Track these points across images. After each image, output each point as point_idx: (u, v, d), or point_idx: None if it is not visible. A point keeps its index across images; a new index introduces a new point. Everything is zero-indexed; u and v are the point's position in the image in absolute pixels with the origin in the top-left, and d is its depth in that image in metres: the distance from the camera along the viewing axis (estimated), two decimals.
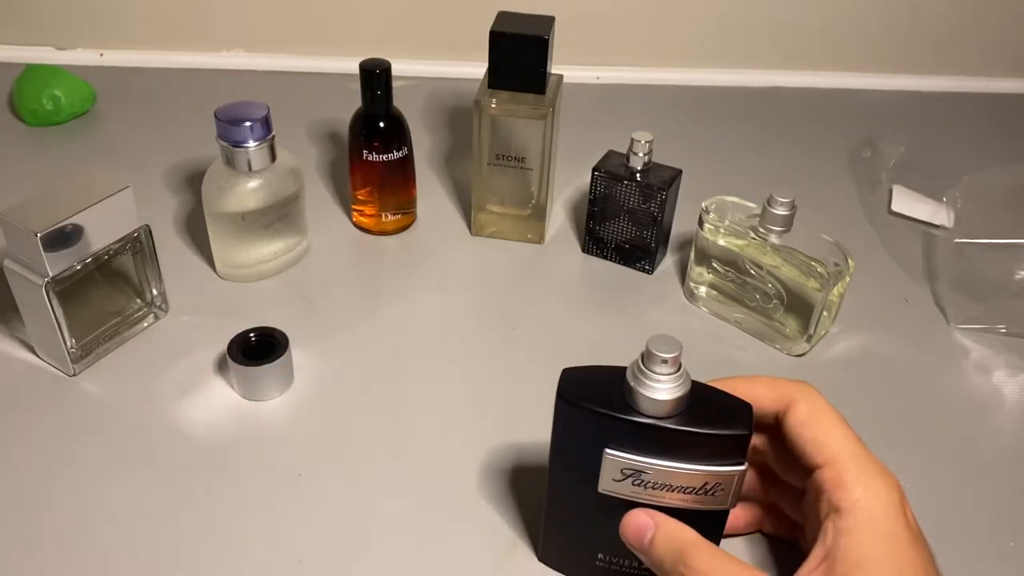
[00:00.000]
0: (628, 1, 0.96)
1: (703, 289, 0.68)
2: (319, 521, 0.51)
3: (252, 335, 0.58)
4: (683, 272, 0.70)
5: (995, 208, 0.70)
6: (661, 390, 0.40)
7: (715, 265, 0.66)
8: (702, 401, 0.41)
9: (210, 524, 0.51)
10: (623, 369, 0.42)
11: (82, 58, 0.96)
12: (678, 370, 0.41)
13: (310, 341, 0.62)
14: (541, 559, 0.50)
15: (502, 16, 0.66)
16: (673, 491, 0.42)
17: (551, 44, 0.65)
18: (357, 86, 0.67)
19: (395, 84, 0.68)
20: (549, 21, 0.66)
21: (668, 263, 0.72)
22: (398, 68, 0.68)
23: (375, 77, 0.66)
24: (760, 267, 0.63)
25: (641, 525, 0.43)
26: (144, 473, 0.53)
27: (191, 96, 0.92)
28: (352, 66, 0.68)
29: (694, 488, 0.42)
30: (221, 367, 0.60)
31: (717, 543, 0.45)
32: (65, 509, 0.51)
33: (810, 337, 0.63)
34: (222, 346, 0.58)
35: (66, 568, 0.48)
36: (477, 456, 0.55)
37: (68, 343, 0.57)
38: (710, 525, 0.44)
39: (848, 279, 0.61)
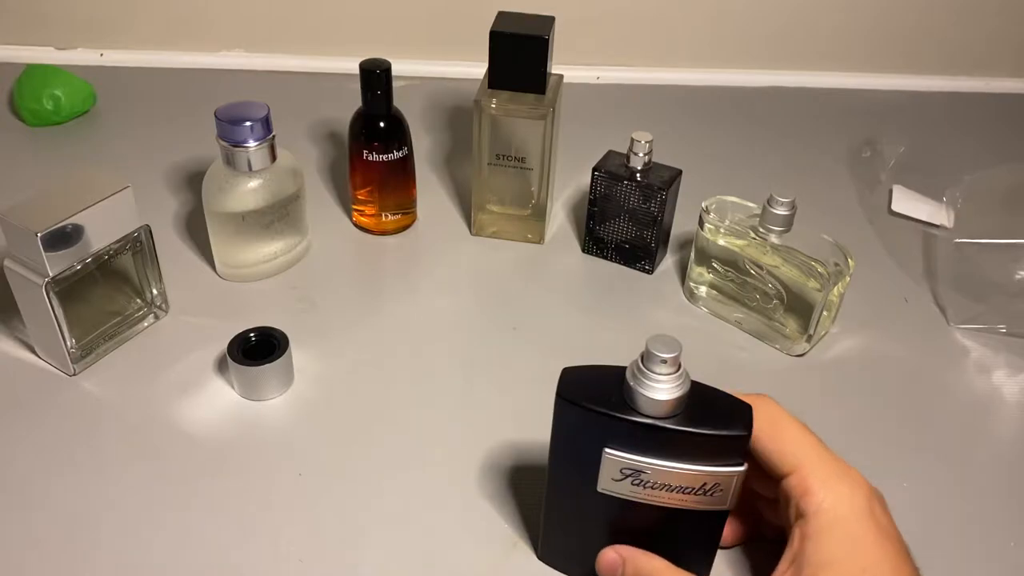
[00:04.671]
0: (628, 1, 0.96)
1: (703, 289, 0.68)
2: (319, 521, 0.51)
3: (252, 335, 0.58)
4: (683, 272, 0.70)
5: (995, 208, 0.70)
6: (660, 390, 0.40)
7: (715, 265, 0.66)
8: (702, 401, 0.41)
9: (210, 523, 0.51)
10: (623, 369, 0.42)
11: (82, 58, 0.96)
12: (677, 370, 0.40)
13: (310, 341, 0.62)
14: (541, 558, 0.50)
15: (502, 16, 0.66)
16: (672, 491, 0.42)
17: (551, 44, 0.65)
18: (357, 86, 0.67)
19: (395, 84, 0.68)
20: (549, 21, 0.66)
21: (668, 263, 0.72)
22: (398, 68, 0.68)
23: (375, 77, 0.66)
24: (760, 267, 0.63)
25: (611, 561, 0.46)
26: (144, 473, 0.53)
27: (191, 96, 0.92)
28: (352, 66, 0.68)
29: (693, 488, 0.42)
30: (221, 367, 0.60)
31: (716, 543, 0.46)
32: (65, 508, 0.51)
33: (810, 337, 0.63)
34: (222, 346, 0.58)
35: (66, 567, 0.48)
36: (477, 455, 0.55)
37: (68, 343, 0.57)
38: (709, 526, 0.44)
39: (848, 279, 0.61)
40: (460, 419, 0.58)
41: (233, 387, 0.59)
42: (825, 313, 0.62)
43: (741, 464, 0.42)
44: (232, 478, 0.53)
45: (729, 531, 0.49)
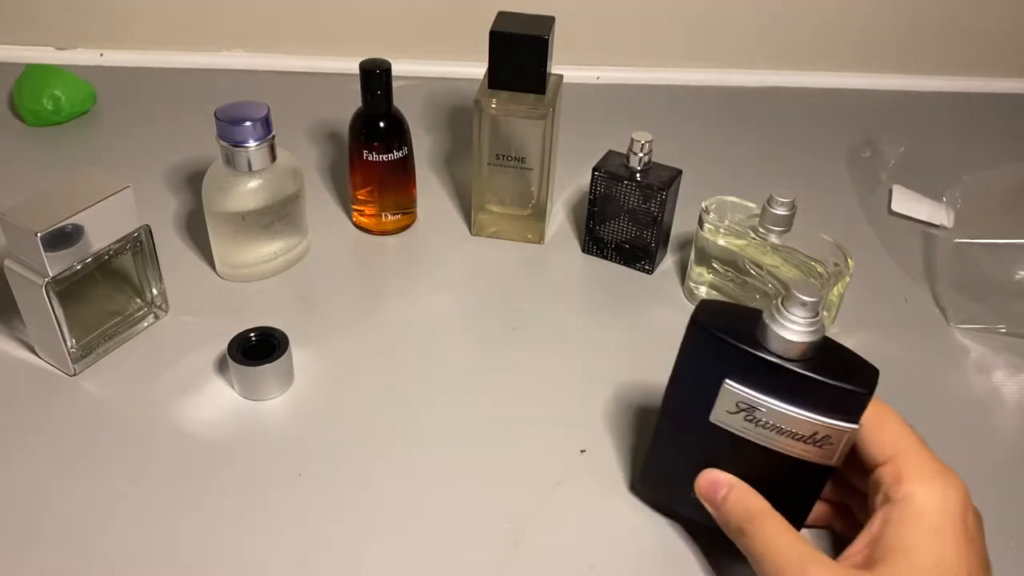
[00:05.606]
0: (628, 1, 0.96)
1: (703, 289, 0.68)
2: (319, 521, 0.51)
3: (252, 335, 0.58)
4: (683, 272, 0.70)
5: (995, 208, 0.70)
6: (794, 331, 0.41)
7: (715, 265, 0.66)
8: (831, 353, 0.42)
9: (210, 523, 0.51)
10: (760, 311, 0.43)
11: (82, 58, 0.96)
12: (815, 316, 0.41)
13: (310, 341, 0.62)
14: (632, 488, 0.51)
15: (502, 16, 0.66)
16: (782, 434, 0.43)
17: (551, 44, 0.65)
18: (357, 86, 0.67)
19: (395, 84, 0.68)
20: (549, 21, 0.66)
21: (668, 263, 0.72)
22: (398, 68, 0.68)
23: (375, 77, 0.66)
24: (760, 267, 0.63)
25: (716, 481, 0.46)
26: (144, 473, 0.53)
27: (191, 96, 0.92)
28: (352, 66, 0.68)
29: (804, 436, 0.42)
30: (221, 367, 0.60)
31: (814, 500, 0.46)
32: (65, 509, 0.51)
33: None
34: (222, 346, 0.58)
35: (66, 568, 0.48)
36: (476, 455, 0.55)
37: (68, 343, 0.57)
38: (811, 480, 0.45)
39: (848, 279, 0.61)
40: (459, 419, 0.58)
41: (233, 387, 0.59)
42: (825, 313, 0.62)
43: (855, 422, 0.42)
44: (232, 478, 0.53)
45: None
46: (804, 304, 0.41)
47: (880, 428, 0.43)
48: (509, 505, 0.52)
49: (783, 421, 0.42)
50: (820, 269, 0.60)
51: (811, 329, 0.41)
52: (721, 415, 0.44)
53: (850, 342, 0.64)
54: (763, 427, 0.43)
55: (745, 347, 0.42)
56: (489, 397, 0.60)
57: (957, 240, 0.67)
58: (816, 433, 0.42)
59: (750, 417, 0.43)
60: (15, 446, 0.54)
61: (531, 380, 0.61)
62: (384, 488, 0.53)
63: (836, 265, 0.60)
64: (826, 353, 0.42)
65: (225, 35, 0.97)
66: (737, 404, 0.43)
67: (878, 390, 0.62)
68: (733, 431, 0.44)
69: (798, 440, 0.43)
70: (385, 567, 0.49)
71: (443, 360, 0.63)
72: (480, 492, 0.53)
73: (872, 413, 0.43)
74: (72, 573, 0.48)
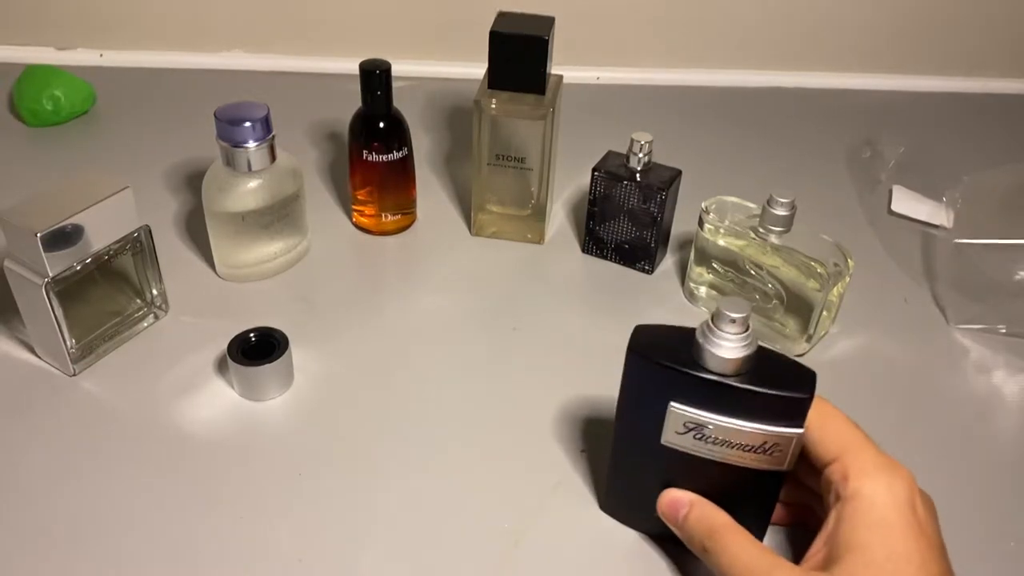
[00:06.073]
0: (628, 1, 0.96)
1: (703, 289, 0.68)
2: (319, 521, 0.51)
3: (252, 335, 0.58)
4: (683, 272, 0.70)
5: (995, 208, 0.70)
6: (728, 348, 0.41)
7: (715, 265, 0.66)
8: (768, 363, 0.43)
9: (210, 523, 0.51)
10: (693, 329, 0.43)
11: (82, 58, 0.96)
12: (746, 331, 0.42)
13: (310, 341, 0.62)
14: (602, 507, 0.52)
15: (502, 16, 0.66)
16: (733, 448, 0.44)
17: (551, 44, 0.65)
18: (357, 86, 0.67)
19: (395, 84, 0.68)
20: (549, 21, 0.66)
21: (668, 263, 0.73)
22: (398, 68, 0.68)
23: (375, 77, 0.66)
24: (760, 267, 0.63)
25: (677, 500, 0.47)
26: (144, 473, 0.53)
27: (191, 96, 0.92)
28: (352, 66, 0.68)
29: (753, 447, 0.43)
30: (221, 367, 0.60)
31: (772, 505, 0.47)
32: (65, 509, 0.51)
33: (810, 337, 0.63)
34: (222, 346, 0.58)
35: (66, 568, 0.48)
36: (476, 456, 0.55)
37: (68, 343, 0.57)
38: (767, 486, 0.45)
39: (848, 279, 0.61)
40: (458, 420, 0.58)
41: (233, 387, 0.59)
42: (825, 313, 0.62)
43: (800, 427, 0.42)
44: (232, 478, 0.53)
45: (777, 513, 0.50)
46: (733, 321, 0.41)
47: (824, 428, 0.44)
48: (509, 505, 0.52)
49: (731, 435, 0.43)
50: (820, 269, 0.60)
51: (744, 344, 0.42)
52: (671, 436, 0.45)
53: (850, 342, 0.65)
54: (713, 443, 0.44)
55: (683, 369, 0.42)
56: (489, 397, 0.60)
57: (957, 240, 0.67)
58: (765, 443, 0.43)
59: (699, 435, 0.44)
60: (14, 446, 0.54)
61: (531, 380, 0.61)
62: (384, 488, 0.53)
63: (836, 265, 0.60)
64: (762, 363, 0.43)
65: (225, 35, 0.97)
66: (684, 424, 0.44)
67: (873, 391, 0.62)
68: (685, 450, 0.45)
69: (748, 451, 0.44)
70: (385, 567, 0.49)
71: (443, 360, 0.63)
72: (480, 492, 0.53)
73: (816, 414, 0.43)
74: (70, 572, 0.48)
